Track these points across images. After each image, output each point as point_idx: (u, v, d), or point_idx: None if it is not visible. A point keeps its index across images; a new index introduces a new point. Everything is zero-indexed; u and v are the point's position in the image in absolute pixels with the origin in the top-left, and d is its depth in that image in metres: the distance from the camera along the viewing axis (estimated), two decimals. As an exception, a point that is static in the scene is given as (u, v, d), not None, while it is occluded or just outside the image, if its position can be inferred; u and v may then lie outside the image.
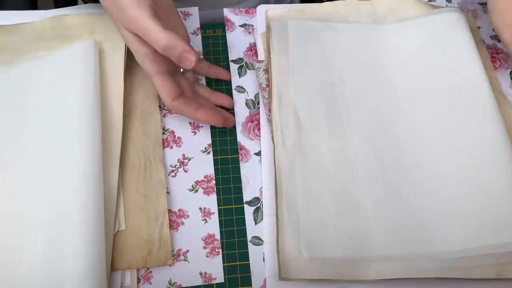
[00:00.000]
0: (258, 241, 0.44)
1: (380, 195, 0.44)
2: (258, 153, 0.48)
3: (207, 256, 0.43)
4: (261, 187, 0.46)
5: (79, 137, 0.42)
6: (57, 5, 0.72)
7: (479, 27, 0.55)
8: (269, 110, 0.49)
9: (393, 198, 0.44)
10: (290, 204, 0.43)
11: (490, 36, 0.55)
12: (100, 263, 0.38)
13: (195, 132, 0.49)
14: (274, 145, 0.46)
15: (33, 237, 0.39)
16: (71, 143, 0.42)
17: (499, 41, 0.54)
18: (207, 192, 0.46)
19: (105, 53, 0.49)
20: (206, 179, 0.47)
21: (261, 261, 0.43)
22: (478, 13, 0.56)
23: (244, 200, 0.46)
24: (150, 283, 0.42)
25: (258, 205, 0.46)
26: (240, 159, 0.47)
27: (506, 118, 0.48)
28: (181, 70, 0.49)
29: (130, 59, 0.50)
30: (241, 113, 0.50)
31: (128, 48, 0.49)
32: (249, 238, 0.44)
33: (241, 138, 0.49)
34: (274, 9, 0.54)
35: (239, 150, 0.48)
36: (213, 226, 0.44)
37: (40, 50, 0.50)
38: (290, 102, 0.48)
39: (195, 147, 0.48)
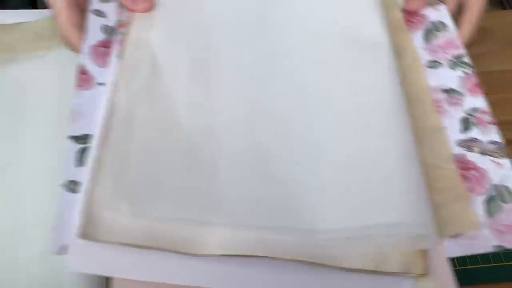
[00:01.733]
0: (75, 187, 0.34)
1: (242, 155, 0.34)
2: (103, 84, 0.38)
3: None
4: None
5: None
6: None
7: None
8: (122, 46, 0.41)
9: (258, 161, 0.34)
10: (120, 153, 0.34)
11: None
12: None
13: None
14: (113, 84, 0.37)
15: (33, 237, 0.40)
16: (71, 143, 0.42)
17: None
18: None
19: (104, 52, 0.49)
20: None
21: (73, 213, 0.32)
22: None
23: (71, 134, 0.35)
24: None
25: (88, 144, 0.36)
26: (79, 84, 0.37)
27: (417, 81, 0.41)
28: None
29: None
30: (94, 35, 0.41)
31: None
32: (64, 181, 0.34)
33: (88, 62, 0.39)
34: None
35: (79, 75, 0.38)
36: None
37: (40, 50, 0.50)
38: (148, 44, 0.40)
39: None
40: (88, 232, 0.30)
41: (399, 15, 0.45)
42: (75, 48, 0.40)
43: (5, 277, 0.38)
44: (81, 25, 0.40)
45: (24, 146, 0.44)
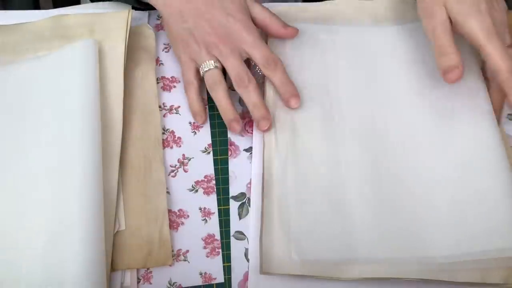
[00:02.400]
0: (241, 235, 0.44)
1: (371, 199, 0.43)
2: (247, 150, 0.48)
3: (207, 256, 0.43)
4: (248, 183, 0.46)
5: (79, 137, 0.42)
6: (56, 5, 0.72)
7: None
8: None
9: (384, 202, 0.43)
10: (282, 207, 0.43)
11: None
12: (100, 263, 0.38)
13: (195, 132, 0.49)
14: (264, 144, 0.46)
15: (33, 237, 0.39)
16: (71, 143, 0.42)
17: None
18: (207, 192, 0.46)
19: (105, 53, 0.49)
20: (206, 179, 0.47)
21: (242, 256, 0.43)
22: None
23: (230, 195, 0.46)
24: (150, 283, 0.42)
25: (244, 200, 0.46)
26: (229, 154, 0.48)
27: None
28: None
29: (129, 59, 0.50)
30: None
31: (127, 49, 0.49)
32: (232, 232, 0.44)
33: (231, 134, 0.49)
34: (276, 7, 0.54)
35: (229, 146, 0.48)
36: (213, 226, 0.44)
37: (40, 50, 0.50)
38: (282, 107, 0.48)
39: (195, 147, 0.48)
40: (267, 268, 0.40)
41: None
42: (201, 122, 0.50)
43: (5, 277, 0.38)
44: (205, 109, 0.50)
45: (25, 146, 0.44)
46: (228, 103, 0.46)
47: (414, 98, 0.49)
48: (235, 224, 0.45)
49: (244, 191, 0.46)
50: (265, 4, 0.55)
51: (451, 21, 0.44)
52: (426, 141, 0.46)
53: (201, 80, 0.48)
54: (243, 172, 0.47)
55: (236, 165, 0.47)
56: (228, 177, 0.47)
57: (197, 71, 0.48)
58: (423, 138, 0.46)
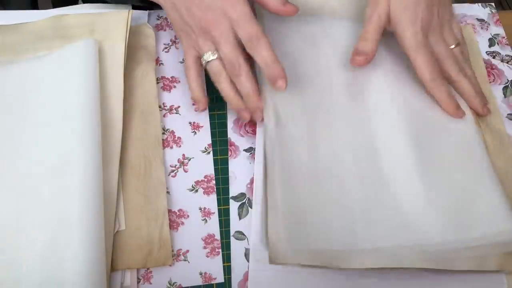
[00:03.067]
0: (241, 235, 0.44)
1: (363, 188, 0.44)
2: (247, 150, 0.48)
3: (207, 256, 0.43)
4: (248, 183, 0.46)
5: (79, 137, 0.42)
6: (55, 5, 0.72)
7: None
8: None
9: (376, 192, 0.44)
10: (274, 196, 0.43)
11: (486, 52, 0.55)
12: (100, 263, 0.38)
13: (195, 132, 0.49)
14: (265, 142, 0.46)
15: (33, 237, 0.39)
16: (71, 143, 0.42)
17: (494, 57, 0.55)
18: (207, 192, 0.46)
19: (105, 52, 0.49)
20: (206, 179, 0.47)
21: (242, 256, 0.43)
22: (476, 27, 0.57)
23: (230, 195, 0.46)
24: (150, 283, 0.42)
25: (244, 200, 0.46)
26: (229, 154, 0.48)
27: (498, 129, 0.49)
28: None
29: (130, 58, 0.50)
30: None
31: (127, 48, 0.49)
32: (232, 232, 0.44)
33: (231, 134, 0.49)
34: None
35: (229, 146, 0.48)
36: (213, 226, 0.44)
37: (40, 50, 0.50)
38: (269, 96, 0.47)
39: (195, 147, 0.48)
40: (274, 259, 0.40)
41: (483, 67, 0.53)
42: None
43: (5, 277, 0.38)
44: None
45: (25, 146, 0.44)
46: (232, 93, 0.46)
47: (402, 87, 0.49)
48: (235, 224, 0.45)
49: (244, 191, 0.46)
50: None
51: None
52: (419, 127, 0.47)
53: (201, 65, 0.48)
54: (243, 172, 0.47)
55: (236, 166, 0.47)
56: (228, 177, 0.47)
57: (198, 57, 0.47)
58: (405, 133, 0.46)
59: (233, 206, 0.45)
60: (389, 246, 0.41)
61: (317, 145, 0.46)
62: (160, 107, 0.50)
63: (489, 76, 0.54)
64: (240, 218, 0.45)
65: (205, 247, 0.43)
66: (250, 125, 0.49)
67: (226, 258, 0.43)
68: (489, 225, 0.42)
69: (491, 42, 0.56)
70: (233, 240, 0.44)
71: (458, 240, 0.41)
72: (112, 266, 0.41)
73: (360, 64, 0.47)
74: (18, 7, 0.63)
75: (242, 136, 0.49)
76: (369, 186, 0.44)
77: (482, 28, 0.57)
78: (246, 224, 0.45)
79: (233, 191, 0.46)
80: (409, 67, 0.49)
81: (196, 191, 0.46)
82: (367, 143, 0.46)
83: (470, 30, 0.56)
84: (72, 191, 0.40)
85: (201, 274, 0.42)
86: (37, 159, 0.43)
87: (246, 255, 0.43)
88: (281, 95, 0.47)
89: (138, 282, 0.42)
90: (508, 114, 0.51)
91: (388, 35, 0.49)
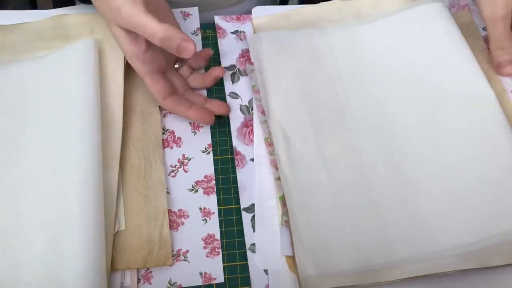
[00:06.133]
0: (254, 248, 0.43)
1: (381, 201, 0.43)
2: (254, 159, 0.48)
3: (207, 256, 0.43)
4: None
5: (79, 137, 0.42)
6: (55, 5, 0.72)
7: None
8: (262, 112, 0.49)
9: (396, 202, 0.43)
10: (293, 219, 0.42)
11: (483, 28, 0.54)
12: (100, 263, 0.38)
13: (195, 132, 0.49)
14: (276, 153, 0.46)
15: (33, 237, 0.39)
16: (71, 143, 0.42)
17: None
18: (207, 192, 0.46)
19: (105, 52, 0.49)
20: (206, 179, 0.47)
21: (261, 269, 0.43)
22: (470, 8, 0.56)
23: (242, 207, 0.45)
24: (150, 283, 0.42)
25: (255, 212, 0.45)
26: (236, 164, 0.47)
27: (507, 106, 0.48)
28: (176, 66, 0.49)
29: (130, 59, 0.50)
30: (236, 118, 0.50)
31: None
32: (247, 246, 0.43)
33: (236, 143, 0.48)
34: (260, 17, 0.54)
35: (235, 156, 0.48)
36: (213, 226, 0.44)
37: (40, 50, 0.50)
38: (274, 117, 0.47)
39: (195, 147, 0.48)
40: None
41: (483, 47, 0.52)
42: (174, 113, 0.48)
43: (5, 277, 0.38)
44: (170, 92, 0.47)
45: (25, 146, 0.44)
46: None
47: (401, 92, 0.49)
48: (249, 237, 0.44)
49: (254, 202, 0.45)
50: (256, 8, 0.55)
51: None
52: (418, 136, 0.46)
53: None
54: (252, 182, 0.46)
55: (245, 175, 0.46)
56: (229, 177, 0.47)
57: None
58: (416, 133, 0.46)
59: (246, 217, 0.45)
60: (426, 252, 0.41)
61: (330, 162, 0.45)
62: (160, 107, 0.50)
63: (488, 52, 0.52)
64: (254, 230, 0.44)
65: (205, 247, 0.43)
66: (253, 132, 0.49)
67: (226, 258, 0.43)
68: None
69: None
70: (249, 253, 0.43)
71: (493, 236, 0.41)
72: (112, 266, 0.41)
73: (509, 74, 0.48)
74: (18, 7, 0.63)
75: (247, 145, 0.48)
76: (396, 195, 0.43)
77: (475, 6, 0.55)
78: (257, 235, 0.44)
79: (244, 202, 0.45)
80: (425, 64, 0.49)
81: (196, 191, 0.46)
82: (386, 149, 0.46)
83: (467, 13, 0.55)
84: (72, 191, 0.40)
85: (201, 274, 0.42)
86: (37, 159, 0.43)
87: (266, 270, 0.42)
88: (288, 115, 0.47)
89: (138, 282, 0.42)
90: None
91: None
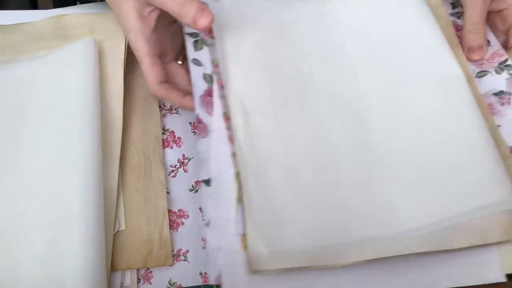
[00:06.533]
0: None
1: (343, 180, 0.41)
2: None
3: (207, 256, 0.43)
4: None
5: (79, 137, 0.42)
6: (55, 5, 0.72)
7: None
8: (222, 86, 0.45)
9: (358, 180, 0.41)
10: (247, 195, 0.39)
11: (450, 13, 0.53)
12: (100, 263, 0.38)
13: (195, 132, 0.49)
14: (233, 127, 0.42)
15: (33, 237, 0.39)
16: (71, 143, 0.42)
17: (459, 17, 0.52)
18: (207, 192, 0.46)
19: (105, 52, 0.49)
20: (206, 179, 0.47)
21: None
22: None
23: (201, 179, 0.40)
24: (150, 283, 0.42)
25: (212, 186, 0.41)
26: (198, 133, 0.42)
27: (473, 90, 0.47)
28: (179, 62, 0.49)
29: (130, 59, 0.50)
30: (199, 86, 0.44)
31: (128, 48, 0.49)
32: (206, 221, 0.39)
33: (199, 111, 0.43)
34: None
35: (198, 124, 0.42)
36: (213, 226, 0.44)
37: (40, 50, 0.50)
38: (233, 89, 0.44)
39: (195, 147, 0.48)
40: (254, 268, 0.37)
41: (452, 31, 0.50)
42: (166, 100, 0.46)
43: (5, 277, 0.38)
44: (165, 79, 0.45)
45: (25, 146, 0.43)
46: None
47: (371, 66, 0.46)
48: (208, 212, 0.39)
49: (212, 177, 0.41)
50: None
51: None
52: (385, 110, 0.44)
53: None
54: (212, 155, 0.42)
55: (206, 146, 0.42)
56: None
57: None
58: (383, 107, 0.44)
59: (205, 191, 0.40)
60: (386, 235, 0.38)
61: (291, 137, 0.42)
62: (160, 107, 0.50)
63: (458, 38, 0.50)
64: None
65: (205, 247, 0.43)
66: None
67: (226, 258, 0.43)
68: (489, 194, 0.39)
69: (454, 5, 0.54)
70: (204, 229, 0.39)
71: (457, 215, 0.39)
72: (112, 266, 0.41)
73: (480, 59, 0.48)
74: (18, 7, 0.63)
75: (210, 114, 0.43)
76: (358, 173, 0.41)
77: None
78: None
79: (204, 174, 0.40)
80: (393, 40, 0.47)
81: (196, 191, 0.46)
82: (350, 127, 0.43)
83: None
84: (72, 191, 0.40)
85: (201, 274, 0.42)
86: (37, 159, 0.43)
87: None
88: (247, 88, 0.44)
89: (138, 282, 0.42)
90: (477, 73, 0.48)
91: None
